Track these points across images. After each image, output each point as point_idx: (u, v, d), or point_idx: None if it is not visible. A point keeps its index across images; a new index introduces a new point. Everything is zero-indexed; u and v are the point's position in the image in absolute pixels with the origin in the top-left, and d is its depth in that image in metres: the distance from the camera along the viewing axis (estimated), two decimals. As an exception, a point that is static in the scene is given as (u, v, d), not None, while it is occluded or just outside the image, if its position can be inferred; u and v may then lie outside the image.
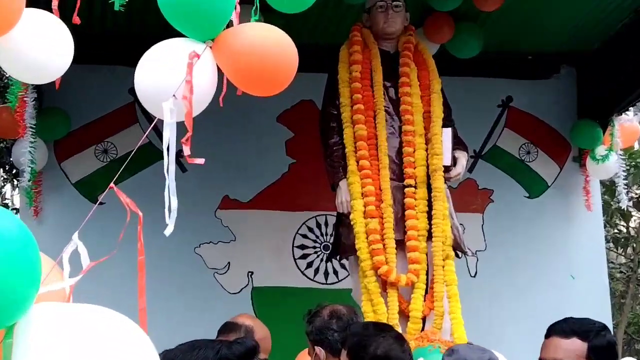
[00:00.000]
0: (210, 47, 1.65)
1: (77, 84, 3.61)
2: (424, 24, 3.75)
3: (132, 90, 1.86)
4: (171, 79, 1.53)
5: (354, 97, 3.13)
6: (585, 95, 4.65)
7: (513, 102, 4.67)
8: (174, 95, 1.49)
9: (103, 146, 4.17)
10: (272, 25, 1.69)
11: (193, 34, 1.65)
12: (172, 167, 1.45)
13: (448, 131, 3.14)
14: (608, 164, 4.36)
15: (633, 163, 6.53)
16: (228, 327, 2.23)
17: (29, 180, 3.71)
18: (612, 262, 7.79)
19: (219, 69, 1.69)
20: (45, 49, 1.73)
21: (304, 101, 4.21)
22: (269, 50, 1.65)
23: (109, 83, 4.04)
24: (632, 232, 7.96)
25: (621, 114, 4.45)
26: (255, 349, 1.48)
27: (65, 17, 1.81)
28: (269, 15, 2.12)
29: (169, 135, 1.48)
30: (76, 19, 1.81)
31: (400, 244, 3.00)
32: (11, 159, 4.50)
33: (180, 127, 1.54)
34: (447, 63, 3.71)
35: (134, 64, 1.78)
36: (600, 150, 4.39)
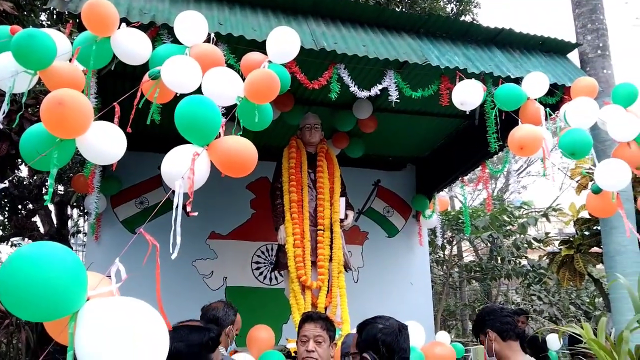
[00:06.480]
0: (206, 149, 1.81)
1: (127, 162, 3.35)
2: (332, 137, 4.52)
3: (160, 168, 1.92)
4: (181, 167, 1.73)
5: (290, 178, 3.56)
6: (420, 181, 5.42)
7: (381, 182, 5.34)
8: (182, 177, 1.64)
9: (140, 199, 4.67)
10: (242, 138, 1.90)
11: (196, 142, 1.87)
12: (179, 218, 1.57)
13: (343, 199, 3.65)
14: (432, 220, 5.21)
15: (445, 219, 7.86)
16: (212, 307, 2.29)
17: (93, 218, 4.32)
18: (434, 274, 9.32)
19: (211, 163, 1.85)
20: (107, 145, 1.95)
21: (262, 177, 4.79)
22: (240, 152, 1.83)
23: (145, 162, 4.57)
24: (446, 257, 9.16)
25: (439, 192, 5.29)
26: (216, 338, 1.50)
27: (123, 123, 2.03)
28: (245, 129, 2.23)
29: (177, 200, 1.64)
30: (129, 129, 2.04)
31: (314, 264, 3.39)
32: (83, 205, 4.99)
33: (186, 193, 1.71)
34: (344, 160, 4.35)
35: (160, 150, 2.01)
36: (428, 211, 5.19)
